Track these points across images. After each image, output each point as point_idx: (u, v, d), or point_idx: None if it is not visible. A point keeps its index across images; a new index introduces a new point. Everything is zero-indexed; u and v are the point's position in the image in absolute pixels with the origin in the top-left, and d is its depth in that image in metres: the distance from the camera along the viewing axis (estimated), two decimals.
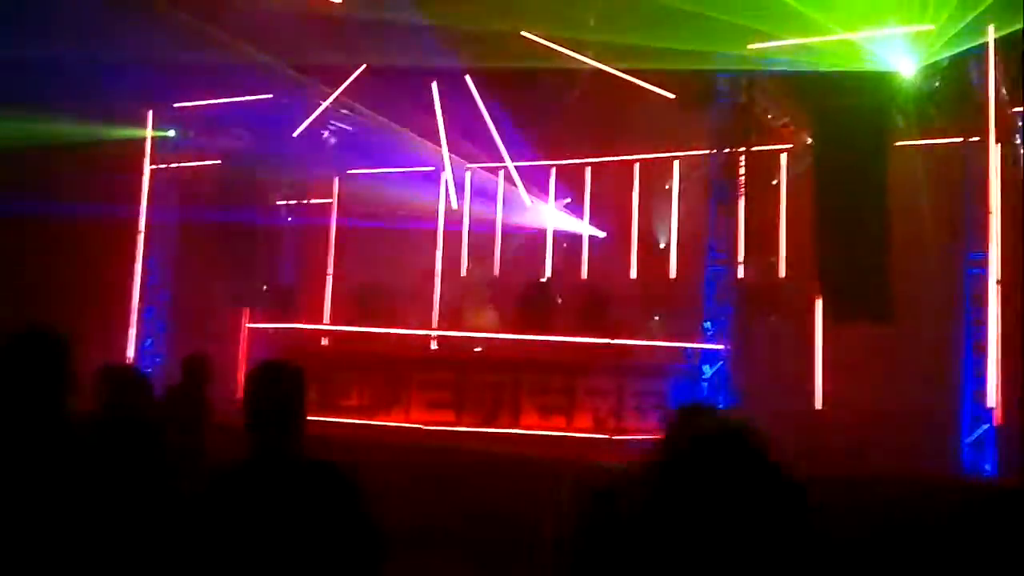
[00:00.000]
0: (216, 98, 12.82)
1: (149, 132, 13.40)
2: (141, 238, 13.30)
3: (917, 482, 8.08)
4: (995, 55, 9.25)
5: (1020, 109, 10.01)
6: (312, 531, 2.78)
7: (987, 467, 8.90)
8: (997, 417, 8.96)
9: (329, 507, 2.81)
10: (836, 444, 9.01)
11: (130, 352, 12.83)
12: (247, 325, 12.59)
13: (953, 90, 9.77)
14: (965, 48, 9.41)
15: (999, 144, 9.41)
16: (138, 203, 13.34)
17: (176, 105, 13.19)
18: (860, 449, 8.83)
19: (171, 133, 13.62)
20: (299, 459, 2.92)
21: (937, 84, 9.78)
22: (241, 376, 12.43)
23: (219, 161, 13.54)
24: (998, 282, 9.19)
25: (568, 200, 12.65)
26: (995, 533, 7.19)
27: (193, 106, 13.08)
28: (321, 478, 2.87)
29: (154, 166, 13.50)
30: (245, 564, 2.74)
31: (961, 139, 9.88)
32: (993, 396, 9.00)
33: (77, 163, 12.08)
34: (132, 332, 13.02)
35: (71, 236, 12.86)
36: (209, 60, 11.83)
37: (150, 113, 13.33)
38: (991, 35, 9.16)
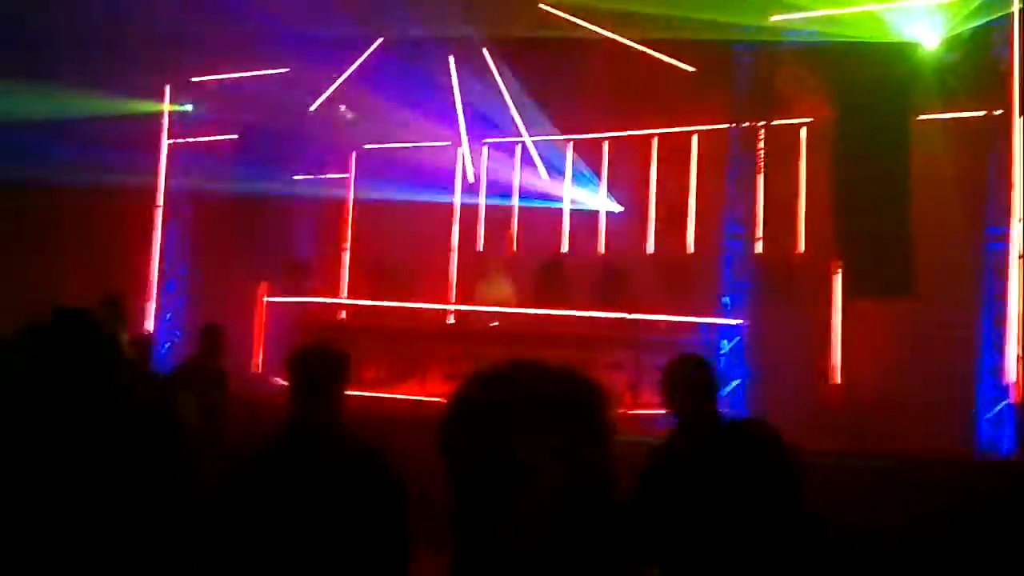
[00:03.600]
0: (233, 72, 12.83)
1: (167, 107, 13.43)
2: (159, 212, 13.37)
3: (933, 459, 8.07)
4: (1019, 26, 9.11)
5: None
6: (343, 518, 2.85)
7: (1005, 444, 8.85)
8: (1016, 394, 8.90)
9: (366, 494, 2.91)
10: (852, 419, 9.00)
11: (149, 325, 12.93)
12: (265, 299, 12.65)
13: (976, 63, 9.64)
14: (989, 19, 9.29)
15: (1022, 117, 9.29)
16: (156, 177, 13.41)
17: (194, 79, 13.21)
18: (876, 424, 8.80)
19: (188, 107, 13.65)
20: (340, 440, 3.10)
21: (960, 56, 9.64)
22: (258, 349, 12.53)
23: (236, 136, 13.59)
24: (1020, 256, 9.11)
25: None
26: (1011, 510, 7.17)
27: (210, 80, 13.11)
28: (362, 463, 3.02)
29: (171, 140, 13.56)
30: (272, 545, 2.79)
31: (984, 112, 9.77)
32: (1012, 371, 8.94)
33: (95, 137, 12.13)
34: (152, 306, 13.12)
35: (89, 210, 12.95)
36: (227, 34, 11.84)
37: (167, 87, 13.36)
38: (1016, 5, 9.03)
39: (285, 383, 3.26)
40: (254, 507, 2.87)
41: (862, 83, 9.84)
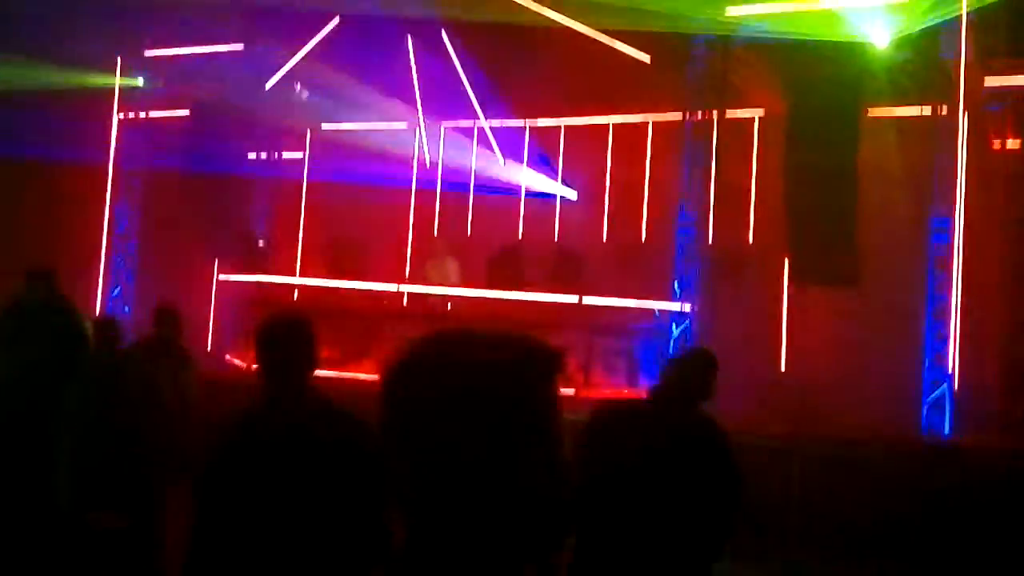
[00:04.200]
0: (187, 47, 12.68)
1: (118, 80, 13.22)
2: (109, 186, 13.18)
3: (877, 441, 8.33)
4: (966, 28, 9.40)
5: (990, 82, 10.19)
6: (333, 488, 2.88)
7: (945, 428, 9.17)
8: (955, 381, 9.22)
9: (355, 464, 2.92)
10: (800, 404, 9.22)
11: (98, 300, 12.76)
12: (217, 277, 12.54)
13: (924, 62, 9.92)
14: (938, 21, 9.57)
15: (967, 114, 9.60)
16: (106, 151, 13.20)
17: (147, 53, 13.03)
18: (823, 409, 9.04)
19: (140, 82, 13.45)
20: (324, 409, 3.11)
21: (909, 56, 9.91)
22: (211, 327, 12.42)
23: (187, 112, 13.43)
24: (960, 249, 9.43)
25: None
26: (950, 490, 7.45)
27: (163, 55, 12.93)
28: (349, 432, 3.03)
29: (122, 115, 13.36)
30: (263, 520, 2.79)
31: (931, 110, 10.07)
32: (952, 360, 9.26)
33: (44, 109, 11.92)
34: (99, 280, 12.94)
35: (38, 183, 12.73)
36: (180, 7, 11.70)
37: (119, 60, 13.15)
38: (964, 8, 9.31)
39: (254, 356, 3.14)
40: (242, 480, 2.88)
41: (814, 78, 10.07)
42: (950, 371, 9.22)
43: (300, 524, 2.78)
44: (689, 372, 4.05)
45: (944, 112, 9.80)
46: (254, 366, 3.18)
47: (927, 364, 9.39)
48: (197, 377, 7.02)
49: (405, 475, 1.37)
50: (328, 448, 2.88)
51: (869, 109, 10.29)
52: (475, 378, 1.36)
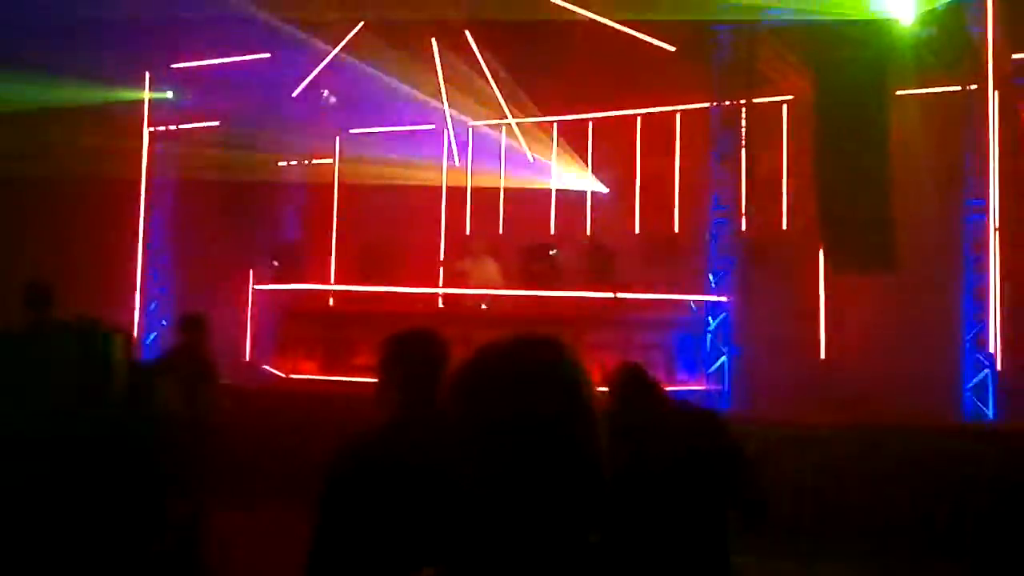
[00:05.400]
0: (213, 58, 12.79)
1: (147, 94, 13.37)
2: (142, 201, 13.34)
3: (920, 428, 8.26)
4: (992, 0, 9.27)
5: (1018, 56, 10.04)
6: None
7: (988, 412, 9.07)
8: (997, 363, 9.12)
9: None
10: (839, 392, 9.18)
11: (135, 315, 12.93)
12: (253, 287, 12.67)
13: (951, 37, 9.79)
14: None
15: (997, 91, 9.47)
16: (138, 166, 13.36)
17: (174, 66, 13.15)
18: (863, 397, 8.99)
19: (169, 95, 13.59)
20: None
21: (935, 32, 9.78)
22: (249, 337, 12.56)
23: (217, 123, 13.55)
24: (997, 228, 9.31)
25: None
26: (996, 475, 7.38)
27: (191, 67, 13.05)
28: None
29: (152, 128, 13.51)
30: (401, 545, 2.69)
31: (960, 87, 9.94)
32: (993, 342, 9.16)
33: (75, 126, 12.08)
34: (137, 296, 13.11)
35: (71, 200, 12.90)
36: (206, 19, 11.79)
37: (147, 75, 13.29)
38: None
39: (385, 369, 3.12)
40: (386, 500, 2.82)
41: (840, 60, 9.95)
42: (991, 352, 9.13)
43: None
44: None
45: (974, 88, 9.67)
46: (378, 379, 3.15)
47: (967, 347, 9.29)
48: (217, 389, 7.06)
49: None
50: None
51: (898, 88, 10.16)
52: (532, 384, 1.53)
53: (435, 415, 3.03)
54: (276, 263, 12.18)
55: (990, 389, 9.12)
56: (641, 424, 4.00)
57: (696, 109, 11.58)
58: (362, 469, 2.89)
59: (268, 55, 12.55)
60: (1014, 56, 10.11)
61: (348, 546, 2.76)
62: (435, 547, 2.67)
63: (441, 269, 12.63)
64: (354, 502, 2.82)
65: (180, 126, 13.66)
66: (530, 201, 12.76)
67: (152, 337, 12.92)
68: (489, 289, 11.15)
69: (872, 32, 9.72)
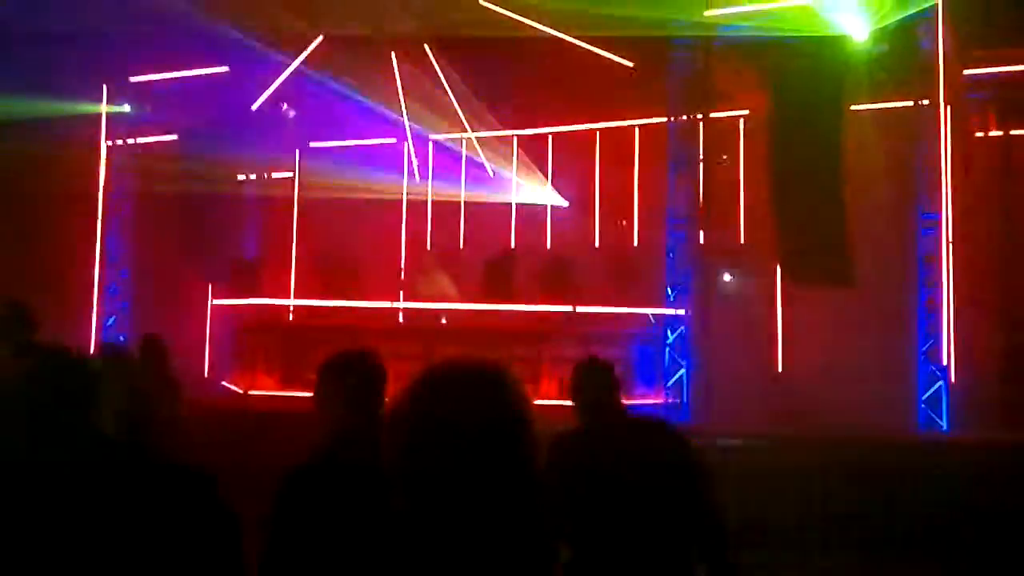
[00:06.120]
0: (172, 71, 12.69)
1: (104, 107, 13.24)
2: (100, 214, 13.19)
3: (874, 439, 8.34)
4: (943, 18, 9.43)
5: (969, 71, 10.22)
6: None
7: (942, 423, 9.18)
8: (951, 375, 9.24)
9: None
10: (796, 404, 9.23)
11: (93, 331, 12.76)
12: (212, 302, 12.56)
13: (904, 54, 9.94)
14: (915, 11, 9.59)
15: (948, 106, 9.62)
16: (95, 179, 13.22)
17: (132, 79, 13.04)
18: (820, 409, 9.05)
19: (126, 108, 13.47)
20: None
21: (888, 48, 9.93)
22: (208, 352, 12.43)
23: (175, 136, 13.45)
24: (949, 242, 9.45)
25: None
26: (950, 485, 7.46)
27: (149, 80, 12.95)
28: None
29: (110, 142, 13.37)
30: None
31: (912, 102, 10.08)
32: (946, 354, 9.28)
33: (31, 139, 11.93)
34: (94, 310, 12.94)
35: (27, 214, 12.73)
36: (164, 32, 11.70)
37: (104, 88, 13.17)
38: None
39: (325, 388, 3.18)
40: (317, 527, 2.84)
41: (795, 75, 10.08)
42: (944, 364, 9.24)
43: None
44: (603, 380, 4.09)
45: (926, 104, 9.81)
46: (317, 397, 3.22)
47: (921, 359, 9.41)
48: (179, 409, 6.99)
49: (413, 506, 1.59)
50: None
51: (852, 103, 10.29)
52: (466, 416, 1.59)
53: (376, 431, 3.08)
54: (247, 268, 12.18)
55: (944, 401, 9.23)
56: (605, 436, 3.99)
57: (654, 124, 11.65)
58: (312, 487, 2.92)
59: (227, 69, 12.48)
60: (965, 72, 10.28)
61: (297, 563, 2.80)
62: (380, 562, 2.69)
63: (401, 284, 12.60)
64: (304, 520, 2.85)
65: (138, 140, 13.53)
66: (491, 214, 12.76)
67: None
68: (444, 303, 11.14)
69: (826, 48, 9.85)
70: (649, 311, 10.52)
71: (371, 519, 2.73)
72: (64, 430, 2.43)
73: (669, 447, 3.99)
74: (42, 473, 2.37)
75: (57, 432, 2.42)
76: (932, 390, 9.29)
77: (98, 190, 13.24)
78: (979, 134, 10.37)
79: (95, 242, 13.14)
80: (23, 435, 2.44)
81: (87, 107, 13.21)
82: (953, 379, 9.23)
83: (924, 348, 9.44)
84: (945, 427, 9.14)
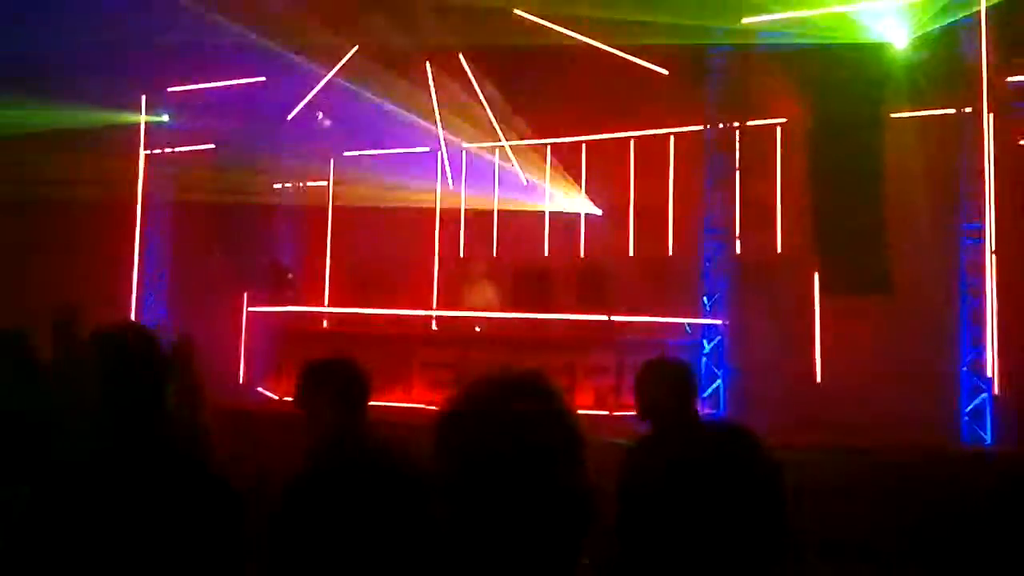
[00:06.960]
0: (209, 82, 12.82)
1: (143, 117, 13.40)
2: (138, 223, 13.33)
3: (916, 451, 8.18)
4: (986, 24, 9.27)
5: (1013, 79, 10.04)
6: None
7: (985, 437, 9.00)
8: (995, 387, 9.05)
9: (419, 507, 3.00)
10: (835, 416, 9.09)
11: None
12: (247, 309, 12.63)
13: (945, 61, 9.79)
14: (956, 18, 9.45)
15: (991, 114, 9.46)
16: (134, 189, 13.37)
17: (170, 90, 13.18)
18: (859, 420, 8.91)
19: (165, 118, 13.62)
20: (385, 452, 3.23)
21: (929, 55, 9.78)
22: (243, 359, 12.50)
23: (213, 146, 13.57)
24: (993, 252, 9.27)
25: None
26: (994, 500, 7.30)
27: (186, 90, 13.08)
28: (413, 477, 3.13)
29: (148, 151, 13.53)
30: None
31: (954, 110, 9.93)
32: (991, 366, 9.09)
33: (72, 149, 12.08)
34: (132, 317, 13.05)
35: (68, 224, 12.89)
36: (202, 43, 11.81)
37: (143, 98, 13.33)
38: (982, 3, 9.18)
39: (309, 393, 3.31)
40: (321, 529, 2.85)
41: (834, 83, 9.97)
42: (989, 376, 9.06)
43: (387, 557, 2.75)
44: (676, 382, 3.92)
45: (968, 112, 9.66)
46: (309, 404, 3.37)
47: (964, 371, 9.23)
48: (202, 413, 7.00)
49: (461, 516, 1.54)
50: (410, 481, 2.91)
51: (892, 111, 10.16)
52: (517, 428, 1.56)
53: (364, 433, 3.14)
54: (291, 275, 12.25)
55: (988, 414, 9.04)
56: (684, 442, 3.87)
57: (690, 132, 11.57)
58: (320, 493, 2.91)
59: (263, 79, 12.57)
60: (1009, 79, 10.10)
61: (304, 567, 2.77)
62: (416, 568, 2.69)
63: (435, 292, 12.60)
64: (314, 528, 2.87)
65: (176, 149, 13.68)
66: (524, 223, 12.73)
67: None
68: (483, 311, 11.11)
69: (866, 55, 9.74)
70: (685, 320, 10.43)
71: (385, 522, 2.76)
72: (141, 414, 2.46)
73: (752, 456, 3.87)
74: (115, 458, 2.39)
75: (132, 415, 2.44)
76: (976, 403, 9.11)
77: (137, 199, 13.40)
78: (1022, 142, 10.17)
79: (133, 250, 13.29)
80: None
81: (126, 117, 13.38)
82: (997, 392, 9.04)
83: (968, 360, 9.26)
84: (989, 440, 8.95)
